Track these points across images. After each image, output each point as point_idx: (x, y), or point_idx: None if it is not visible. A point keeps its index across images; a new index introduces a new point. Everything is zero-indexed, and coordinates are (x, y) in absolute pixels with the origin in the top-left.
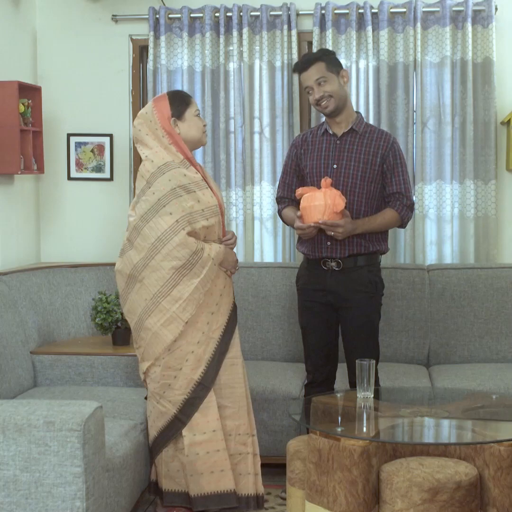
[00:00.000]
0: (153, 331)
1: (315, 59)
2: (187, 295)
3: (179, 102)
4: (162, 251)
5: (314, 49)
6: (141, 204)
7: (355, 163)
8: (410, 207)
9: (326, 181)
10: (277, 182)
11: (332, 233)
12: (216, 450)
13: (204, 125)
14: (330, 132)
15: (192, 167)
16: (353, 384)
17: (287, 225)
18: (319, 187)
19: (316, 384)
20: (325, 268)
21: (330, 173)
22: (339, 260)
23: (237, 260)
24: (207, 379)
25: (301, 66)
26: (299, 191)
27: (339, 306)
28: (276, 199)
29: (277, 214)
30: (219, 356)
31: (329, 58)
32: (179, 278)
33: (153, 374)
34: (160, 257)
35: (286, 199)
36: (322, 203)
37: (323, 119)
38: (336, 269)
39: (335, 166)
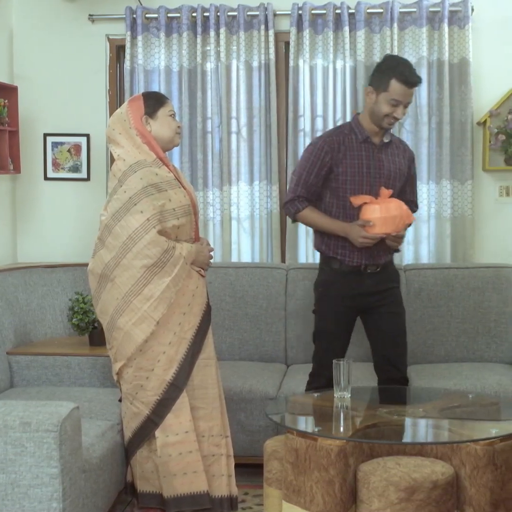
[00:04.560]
0: (125, 331)
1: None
2: (159, 293)
3: (154, 101)
4: (133, 249)
5: (291, 49)
6: (113, 203)
7: (393, 174)
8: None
9: (385, 191)
10: (255, 182)
11: (395, 243)
12: (188, 451)
13: (178, 126)
14: (372, 141)
15: (165, 166)
16: (394, 381)
17: (306, 225)
18: (355, 194)
19: (318, 387)
20: (363, 272)
21: (369, 182)
22: (378, 265)
23: (210, 256)
24: (179, 380)
25: (417, 80)
26: (356, 200)
27: (373, 305)
28: (293, 197)
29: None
30: (192, 357)
31: None
32: (151, 276)
33: (126, 375)
34: (131, 255)
35: (305, 198)
36: (396, 214)
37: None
38: (374, 271)
39: (375, 175)
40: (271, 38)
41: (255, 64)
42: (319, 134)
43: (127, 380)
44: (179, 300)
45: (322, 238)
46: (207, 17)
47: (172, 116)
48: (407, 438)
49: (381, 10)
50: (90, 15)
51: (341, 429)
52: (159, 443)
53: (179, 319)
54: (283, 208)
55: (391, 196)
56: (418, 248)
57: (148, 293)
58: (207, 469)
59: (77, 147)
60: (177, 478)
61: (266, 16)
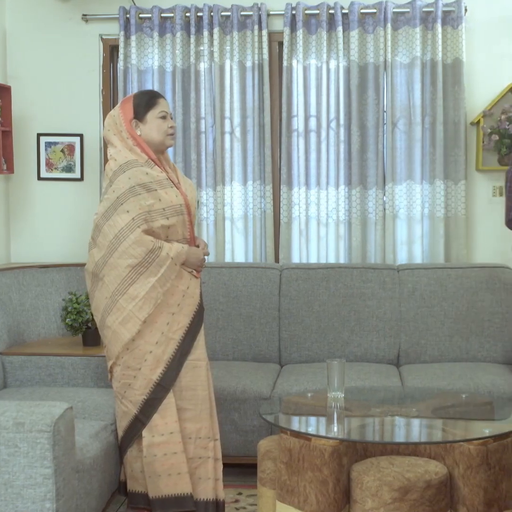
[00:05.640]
0: (112, 330)
1: None
2: (144, 293)
3: (144, 103)
4: (119, 248)
5: (285, 49)
6: (103, 202)
7: None
8: None
9: None
10: (249, 182)
11: None
12: (173, 452)
13: (170, 127)
14: None
15: (157, 167)
16: None
17: None
18: None
19: None
20: None
21: None
22: None
23: (203, 259)
24: (166, 380)
25: None
26: None
27: None
28: None
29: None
30: (180, 358)
31: None
32: (136, 276)
33: (115, 373)
34: (117, 254)
35: None
36: None
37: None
38: None
39: None
40: (265, 38)
41: (248, 64)
42: (312, 134)
43: (116, 379)
44: (168, 300)
45: None
46: (201, 17)
47: (163, 117)
48: (400, 438)
49: (374, 10)
50: (83, 15)
51: (335, 429)
52: (145, 443)
53: (167, 319)
54: (508, 223)
55: None
56: (412, 248)
57: (133, 292)
58: (193, 471)
59: (71, 147)
60: (162, 479)
61: (259, 16)
